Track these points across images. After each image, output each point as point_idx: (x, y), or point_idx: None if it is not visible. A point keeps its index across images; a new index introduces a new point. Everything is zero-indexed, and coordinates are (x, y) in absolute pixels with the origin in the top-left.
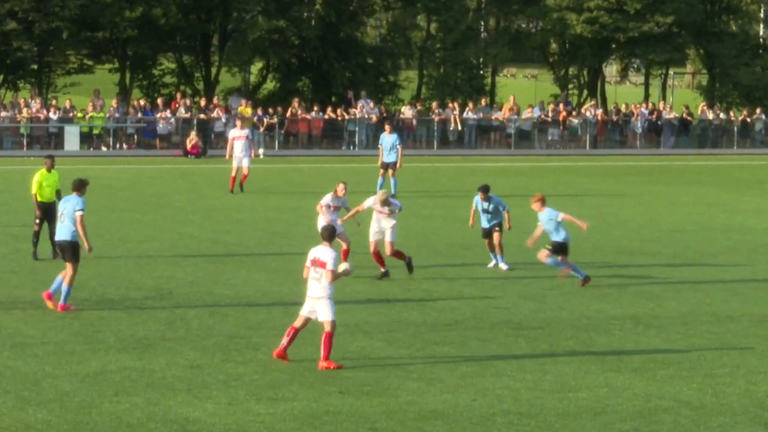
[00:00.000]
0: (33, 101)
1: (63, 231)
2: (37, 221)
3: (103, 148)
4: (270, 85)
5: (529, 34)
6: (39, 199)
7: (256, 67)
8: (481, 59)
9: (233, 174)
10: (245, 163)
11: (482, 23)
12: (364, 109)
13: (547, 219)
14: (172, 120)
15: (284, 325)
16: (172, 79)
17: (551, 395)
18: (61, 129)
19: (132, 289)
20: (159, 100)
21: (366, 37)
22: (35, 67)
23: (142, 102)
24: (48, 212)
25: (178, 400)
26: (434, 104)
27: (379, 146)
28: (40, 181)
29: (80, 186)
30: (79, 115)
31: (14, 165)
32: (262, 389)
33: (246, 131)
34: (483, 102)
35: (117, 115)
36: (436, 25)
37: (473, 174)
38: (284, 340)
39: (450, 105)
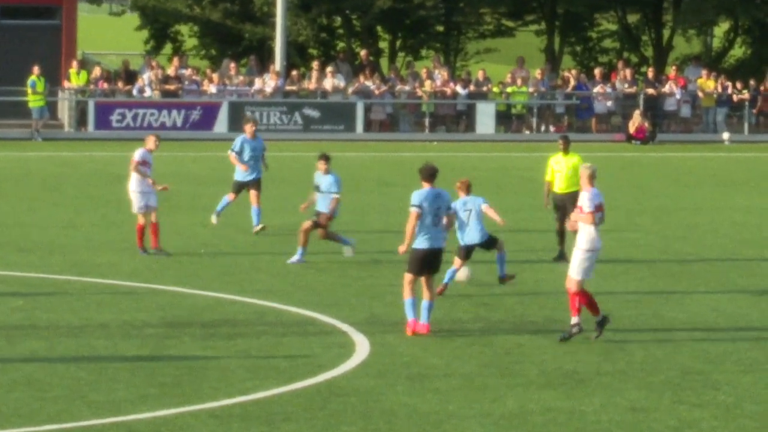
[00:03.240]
0: (438, 72)
1: (477, 233)
2: (558, 217)
3: (525, 131)
4: (738, 51)
5: None
6: (554, 189)
7: (720, 29)
8: None
9: None
10: None
11: None
12: None
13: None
14: (613, 95)
15: (752, 359)
16: (614, 44)
17: None
18: (473, 107)
19: (558, 310)
20: (596, 71)
21: None
22: (441, 29)
23: (574, 73)
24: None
25: None
26: None
27: None
28: (553, 167)
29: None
30: (495, 89)
31: (413, 151)
32: None
33: None
34: None
35: (543, 89)
36: None
37: None
38: None
39: None
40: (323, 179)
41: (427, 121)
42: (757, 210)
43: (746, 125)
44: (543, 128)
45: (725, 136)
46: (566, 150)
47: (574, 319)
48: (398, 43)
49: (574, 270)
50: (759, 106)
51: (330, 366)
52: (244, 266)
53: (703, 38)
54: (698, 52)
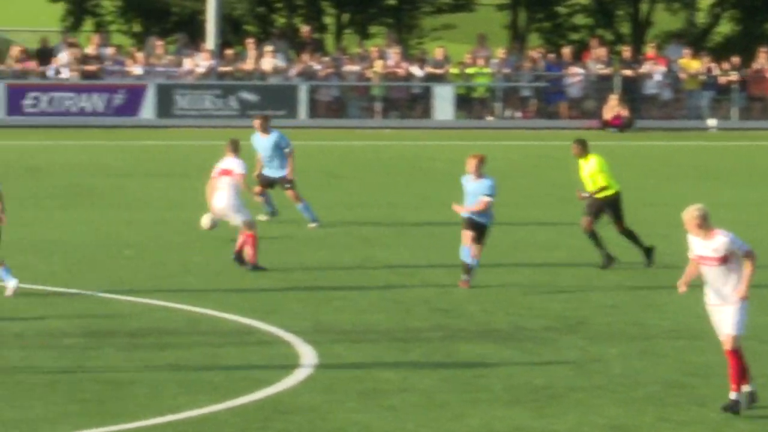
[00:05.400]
0: (390, 51)
1: None
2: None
3: (488, 118)
4: (725, 28)
5: None
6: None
7: (705, 2)
8: None
9: None
10: None
11: None
12: None
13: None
14: (585, 77)
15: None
16: (586, 20)
17: None
18: (429, 90)
19: (527, 317)
20: (566, 50)
21: None
22: (393, 2)
23: (542, 52)
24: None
25: None
26: None
27: None
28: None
29: None
30: (454, 70)
31: (363, 139)
32: None
33: None
34: None
35: (507, 70)
36: None
37: None
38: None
39: None
40: (260, 141)
41: (378, 106)
42: (747, 205)
43: (735, 110)
44: (508, 114)
45: (711, 122)
46: (583, 154)
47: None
48: (345, 18)
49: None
50: (749, 88)
51: (272, 380)
52: (174, 269)
53: (686, 13)
54: (680, 28)
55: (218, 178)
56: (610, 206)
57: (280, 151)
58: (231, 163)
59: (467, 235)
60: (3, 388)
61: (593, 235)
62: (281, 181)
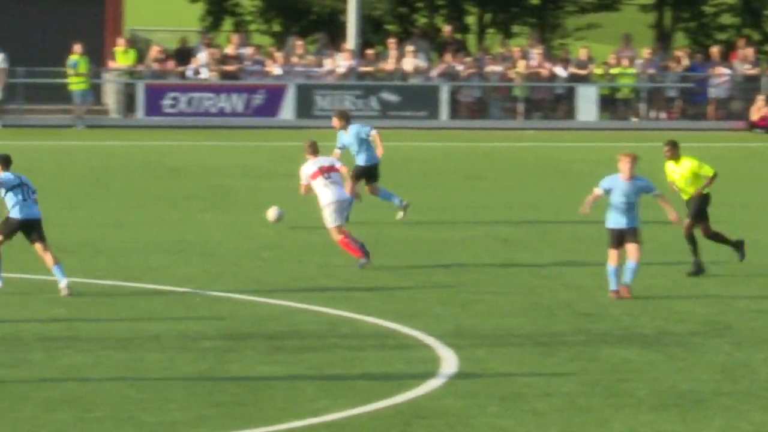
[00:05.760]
0: (533, 51)
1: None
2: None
3: (633, 118)
4: None
5: None
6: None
7: None
8: None
9: None
10: None
11: None
12: None
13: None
14: (732, 78)
15: None
16: (732, 20)
17: None
18: (572, 90)
19: (672, 321)
20: (713, 50)
21: None
22: (536, 1)
23: (688, 52)
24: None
25: None
26: None
27: None
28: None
29: None
30: (598, 71)
31: (505, 141)
32: None
33: None
34: None
35: (652, 70)
36: None
37: None
38: None
39: None
40: (344, 137)
41: (520, 106)
42: None
43: None
44: (652, 115)
45: None
46: (674, 157)
47: None
48: (487, 18)
49: None
50: None
51: (412, 384)
52: (314, 271)
53: None
54: None
55: (326, 175)
56: (702, 202)
57: (363, 140)
58: (326, 160)
59: (614, 254)
60: (141, 391)
61: (717, 237)
62: (370, 170)
